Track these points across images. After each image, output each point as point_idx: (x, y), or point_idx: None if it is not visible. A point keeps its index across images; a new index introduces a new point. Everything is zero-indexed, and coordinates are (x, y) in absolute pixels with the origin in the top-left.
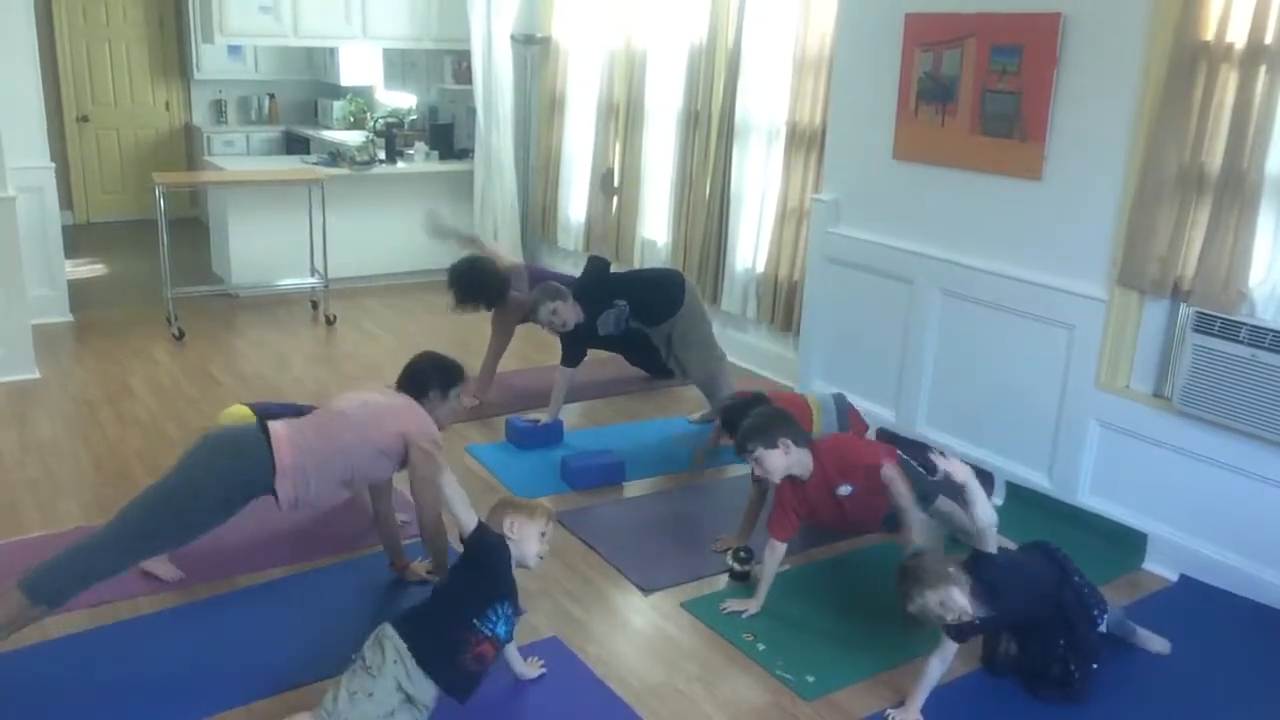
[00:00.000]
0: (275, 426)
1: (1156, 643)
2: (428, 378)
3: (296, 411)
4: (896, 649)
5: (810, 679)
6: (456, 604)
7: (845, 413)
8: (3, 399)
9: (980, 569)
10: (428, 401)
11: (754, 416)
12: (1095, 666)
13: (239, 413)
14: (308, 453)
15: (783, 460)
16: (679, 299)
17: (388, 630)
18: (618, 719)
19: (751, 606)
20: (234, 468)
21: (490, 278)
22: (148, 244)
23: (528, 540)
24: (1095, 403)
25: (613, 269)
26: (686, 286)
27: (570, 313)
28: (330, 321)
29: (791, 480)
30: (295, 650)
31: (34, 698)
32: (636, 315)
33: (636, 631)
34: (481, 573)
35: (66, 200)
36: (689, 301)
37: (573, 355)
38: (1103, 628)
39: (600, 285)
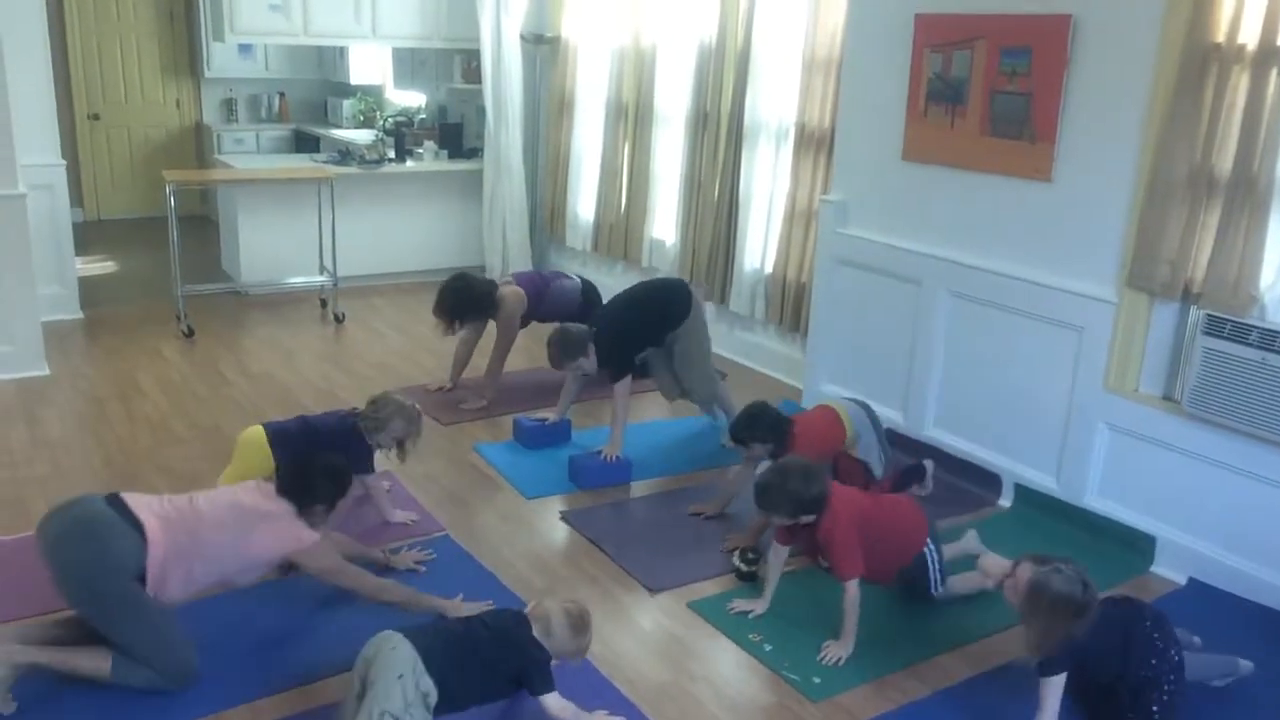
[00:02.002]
0: (148, 520)
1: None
2: (317, 488)
3: (309, 428)
4: (903, 651)
5: (817, 680)
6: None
7: (875, 419)
8: (13, 395)
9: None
10: (309, 511)
11: (791, 488)
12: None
13: (255, 435)
14: (175, 553)
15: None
16: (685, 310)
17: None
18: (624, 716)
19: (758, 607)
20: (108, 563)
21: (478, 286)
22: (158, 241)
23: (564, 649)
24: (1104, 405)
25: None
26: (693, 297)
27: (589, 365)
28: (339, 320)
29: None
30: (296, 649)
31: (38, 693)
32: (648, 340)
33: (643, 631)
34: (514, 662)
35: (77, 197)
36: (694, 312)
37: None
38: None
39: (622, 341)
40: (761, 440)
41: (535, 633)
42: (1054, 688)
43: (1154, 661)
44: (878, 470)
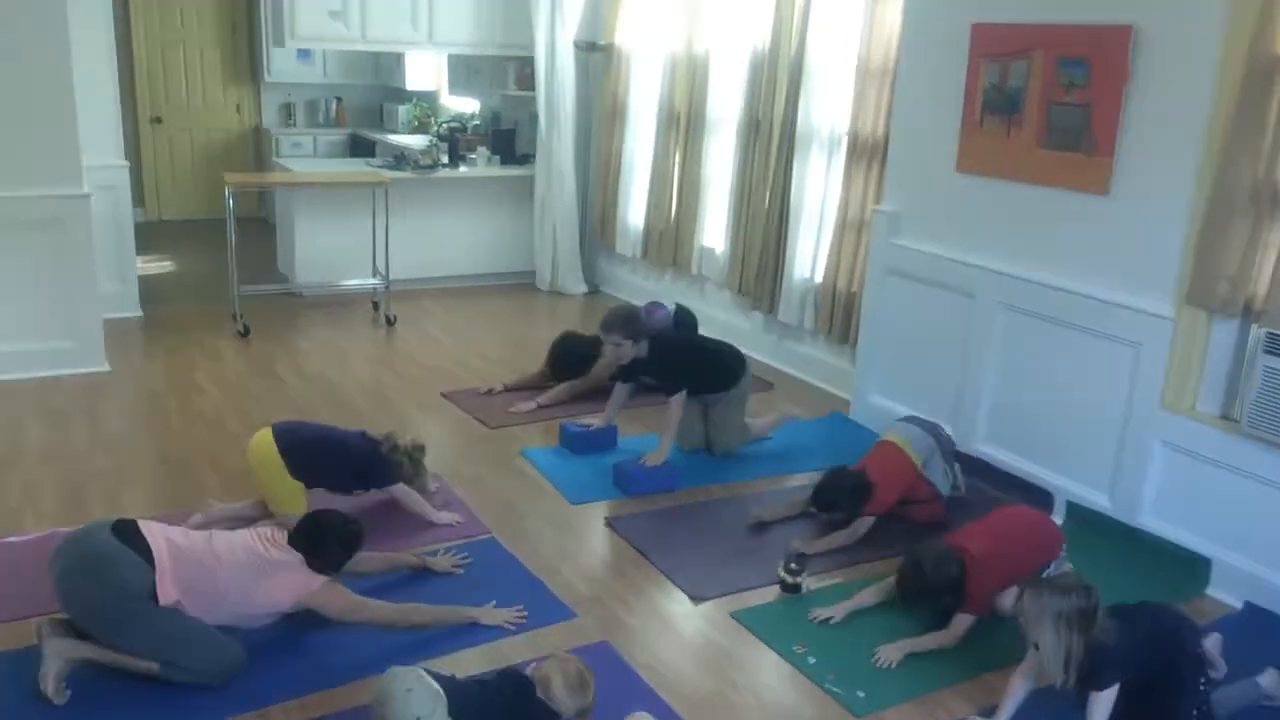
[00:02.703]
0: (157, 546)
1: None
2: (327, 551)
3: (322, 436)
4: (949, 670)
5: (860, 694)
6: None
7: (942, 437)
8: (74, 391)
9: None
10: (313, 563)
11: (932, 583)
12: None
13: (263, 441)
14: (186, 584)
15: None
16: (733, 380)
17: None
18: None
19: (837, 614)
20: (115, 595)
21: (583, 347)
22: (216, 242)
23: (565, 709)
24: (1160, 423)
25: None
26: (744, 369)
27: (631, 353)
28: (391, 322)
29: None
30: (319, 655)
31: (88, 686)
32: (693, 390)
33: (686, 640)
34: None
35: (139, 198)
36: (742, 384)
37: (628, 374)
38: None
39: (682, 366)
40: (842, 509)
41: (539, 694)
42: (1104, 702)
43: (1197, 673)
44: (944, 488)
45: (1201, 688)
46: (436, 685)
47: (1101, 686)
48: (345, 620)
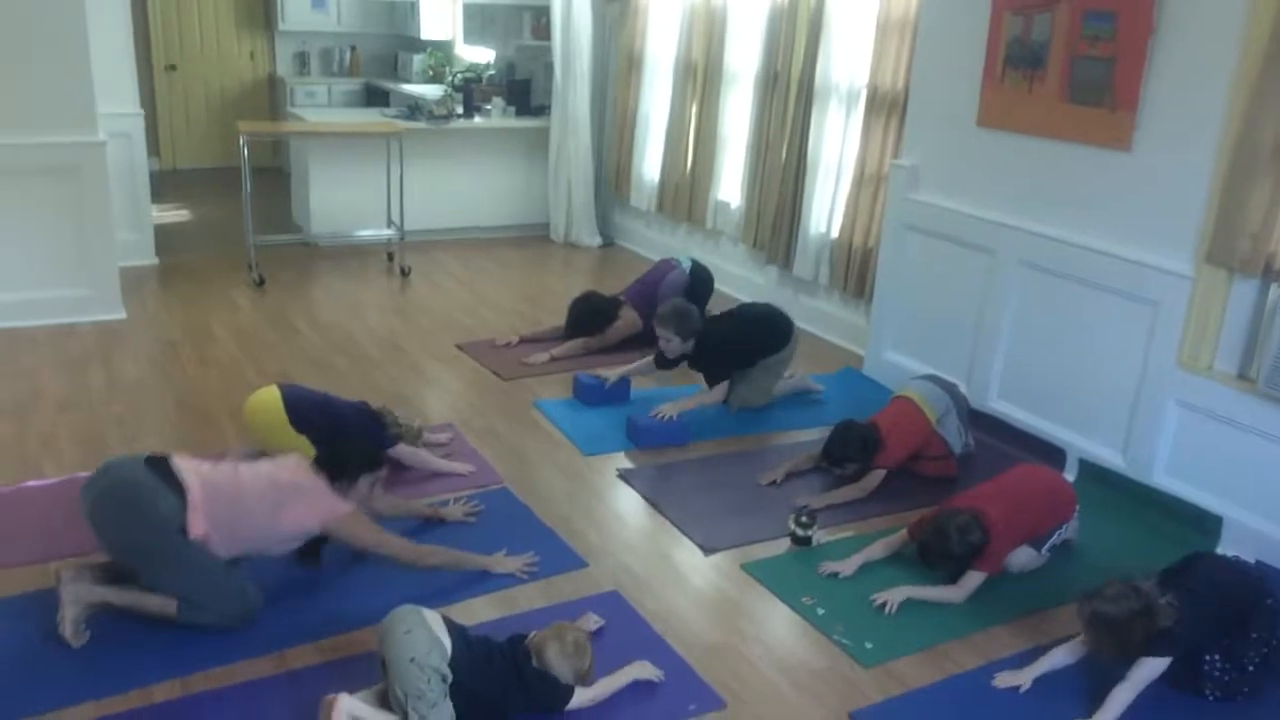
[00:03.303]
0: (190, 482)
1: None
2: (347, 464)
3: (325, 401)
4: (957, 622)
5: (869, 646)
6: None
7: (958, 397)
8: (91, 338)
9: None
10: (340, 483)
11: (954, 548)
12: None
13: (269, 397)
14: (215, 515)
15: None
16: (781, 344)
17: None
18: (676, 675)
19: (845, 569)
20: (149, 527)
21: (602, 306)
22: (231, 191)
23: (564, 677)
24: (1176, 382)
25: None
26: (789, 339)
27: (679, 350)
28: (405, 273)
29: None
30: (334, 601)
31: (106, 629)
32: (744, 363)
33: (696, 590)
34: (520, 693)
35: (154, 146)
36: (784, 352)
37: (669, 364)
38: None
39: (727, 358)
40: (854, 460)
41: (535, 663)
42: (1152, 668)
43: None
44: (957, 446)
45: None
46: (439, 631)
47: (1158, 654)
48: (365, 550)
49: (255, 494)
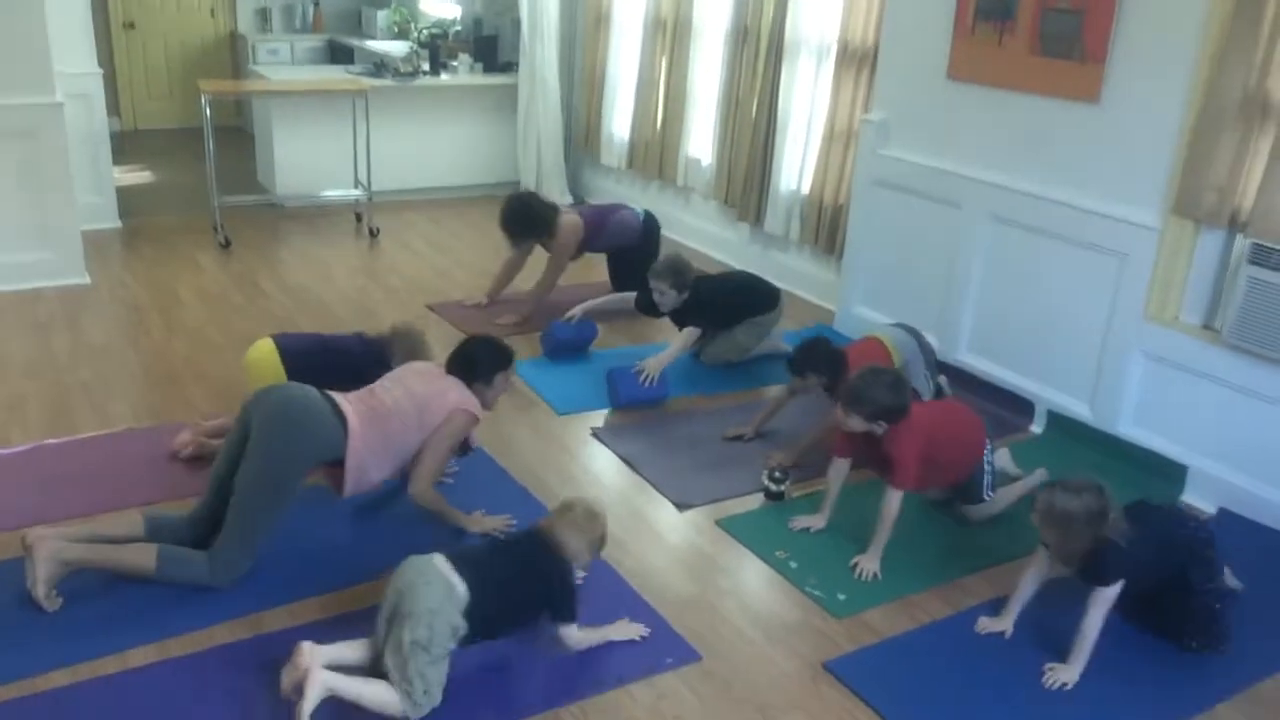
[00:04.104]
0: (351, 417)
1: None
2: (478, 362)
3: (321, 344)
4: (928, 572)
5: (841, 597)
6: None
7: (924, 345)
8: (55, 303)
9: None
10: (478, 384)
11: (881, 394)
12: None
13: (265, 350)
14: (367, 446)
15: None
16: (763, 310)
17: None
18: (653, 629)
19: (817, 522)
20: (315, 453)
21: (537, 208)
22: (194, 152)
23: (582, 548)
24: (1142, 333)
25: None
26: (775, 307)
27: (673, 302)
28: (374, 234)
29: None
30: (331, 556)
31: (82, 589)
32: (725, 321)
33: (671, 547)
34: (542, 587)
35: (114, 107)
36: (767, 317)
37: (655, 312)
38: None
39: (709, 311)
40: (818, 372)
41: (548, 548)
42: (1105, 599)
43: (1209, 575)
44: (925, 393)
45: (1209, 590)
46: (454, 579)
47: (1107, 583)
48: (434, 454)
49: (399, 413)
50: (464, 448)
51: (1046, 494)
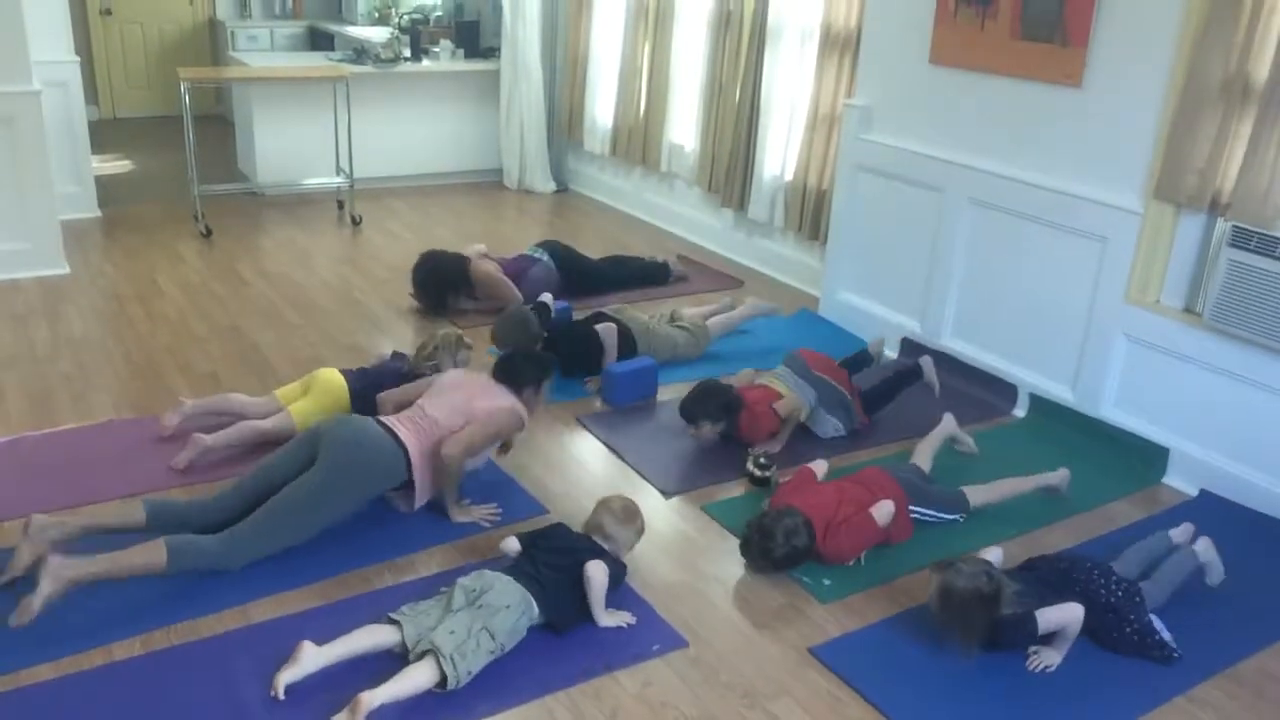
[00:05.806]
0: (409, 442)
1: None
2: (523, 373)
3: (377, 375)
4: (913, 557)
5: (827, 582)
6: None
7: (821, 388)
8: (34, 293)
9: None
10: (526, 392)
11: (778, 554)
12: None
13: (336, 384)
14: (428, 464)
15: None
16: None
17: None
18: (639, 616)
19: None
20: (378, 484)
21: (444, 260)
22: (174, 140)
23: (624, 542)
24: (1124, 317)
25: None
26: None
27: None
28: (356, 222)
29: None
30: (325, 545)
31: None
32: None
33: (657, 533)
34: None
35: (92, 95)
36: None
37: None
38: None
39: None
40: (712, 419)
41: (597, 543)
42: (1055, 612)
43: (1107, 588)
44: (844, 429)
45: (1130, 635)
46: (524, 592)
47: (1024, 646)
48: (482, 422)
49: (452, 429)
50: (505, 446)
51: (937, 575)
